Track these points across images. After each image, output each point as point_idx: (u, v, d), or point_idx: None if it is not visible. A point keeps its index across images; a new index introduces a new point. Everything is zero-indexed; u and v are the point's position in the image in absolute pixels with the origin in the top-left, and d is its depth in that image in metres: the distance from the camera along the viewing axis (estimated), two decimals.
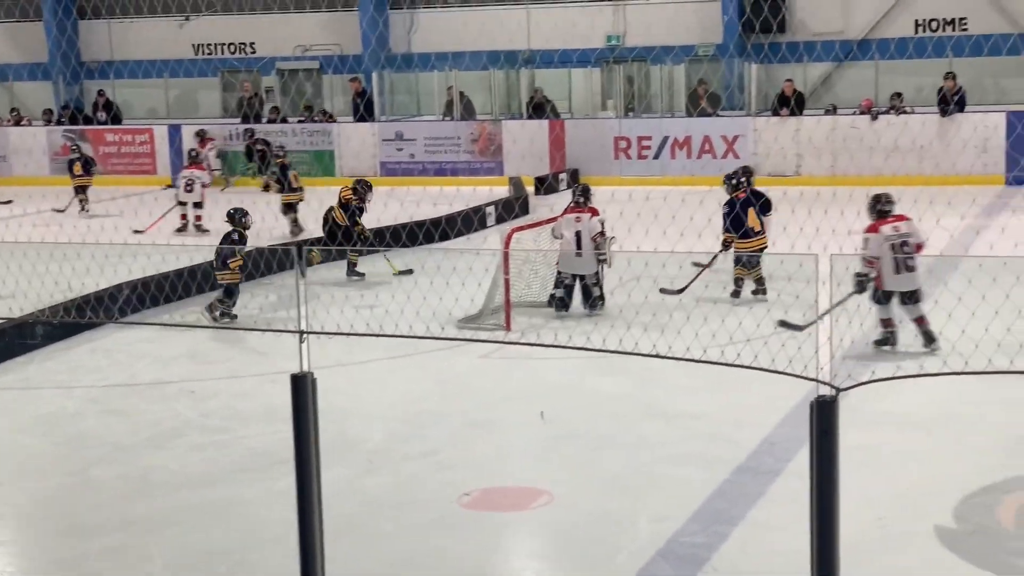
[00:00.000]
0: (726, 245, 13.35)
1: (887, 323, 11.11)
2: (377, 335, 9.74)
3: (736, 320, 12.09)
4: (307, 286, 5.04)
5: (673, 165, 24.41)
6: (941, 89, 23.15)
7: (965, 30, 26.44)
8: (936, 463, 8.37)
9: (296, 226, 18.70)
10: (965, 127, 22.71)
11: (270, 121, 27.68)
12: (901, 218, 11.35)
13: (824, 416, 4.41)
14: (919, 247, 11.24)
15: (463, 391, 10.56)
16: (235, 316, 13.01)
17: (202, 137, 26.34)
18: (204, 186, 19.88)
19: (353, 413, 9.77)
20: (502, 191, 22.00)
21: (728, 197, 13.51)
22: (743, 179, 13.60)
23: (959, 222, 15.49)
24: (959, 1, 26.61)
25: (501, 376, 10.94)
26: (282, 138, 26.41)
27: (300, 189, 19.04)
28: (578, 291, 13.03)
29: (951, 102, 22.88)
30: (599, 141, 24.97)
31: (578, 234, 12.94)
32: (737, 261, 13.24)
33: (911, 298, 10.99)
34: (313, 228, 16.97)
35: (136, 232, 18.68)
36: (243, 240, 13.27)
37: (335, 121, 27.21)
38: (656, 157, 24.70)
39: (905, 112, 23.58)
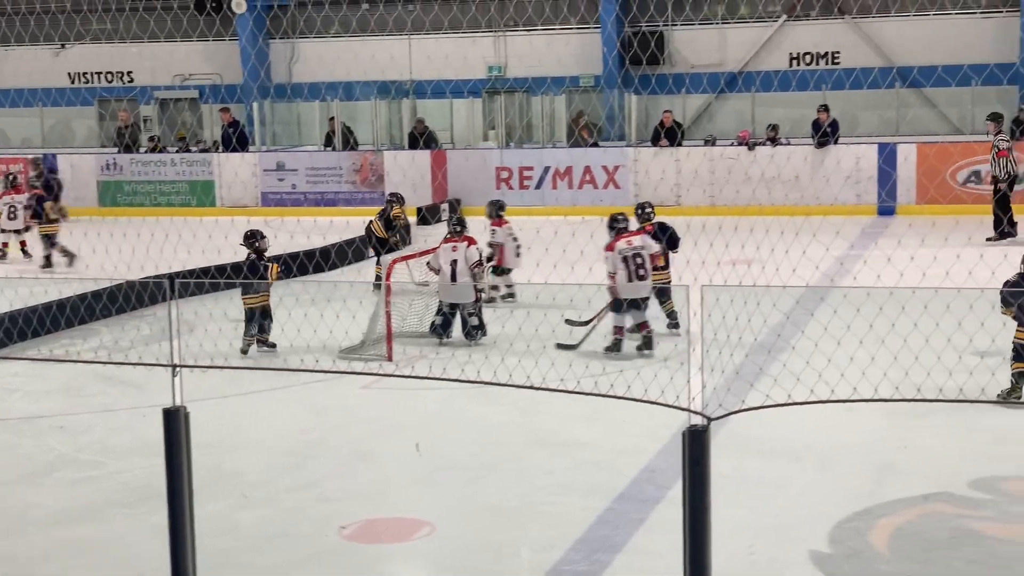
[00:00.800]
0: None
1: (618, 331, 12.24)
2: (252, 368, 9.62)
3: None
4: (180, 318, 4.99)
5: (554, 195, 24.60)
6: (815, 121, 23.69)
7: (837, 63, 27.12)
8: (808, 489, 8.51)
9: (67, 255, 18.71)
10: (838, 158, 23.26)
11: (149, 151, 27.34)
12: (635, 233, 12.68)
13: (696, 445, 4.49)
14: (654, 257, 12.56)
15: (344, 422, 10.49)
16: (274, 344, 12.79)
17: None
18: (26, 208, 19.70)
19: (232, 446, 9.65)
20: None
21: (638, 226, 13.52)
22: (650, 210, 13.64)
23: (825, 252, 15.76)
24: (832, 36, 27.30)
25: (383, 406, 10.89)
26: (160, 167, 26.13)
27: (56, 221, 19.11)
28: (460, 320, 13.05)
29: (823, 134, 23.41)
30: (481, 171, 25.08)
31: (454, 263, 12.99)
32: None
33: (638, 305, 12.20)
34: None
35: None
36: (258, 262, 13.02)
37: (217, 151, 26.97)
38: (538, 187, 24.87)
39: (781, 143, 24.05)
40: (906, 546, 7.42)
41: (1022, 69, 24.62)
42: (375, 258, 16.48)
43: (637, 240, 12.52)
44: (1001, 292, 10.02)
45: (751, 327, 11.05)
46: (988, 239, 18.67)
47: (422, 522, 7.95)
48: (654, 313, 12.80)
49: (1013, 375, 10.15)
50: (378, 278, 15.71)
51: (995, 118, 20.25)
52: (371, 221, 16.66)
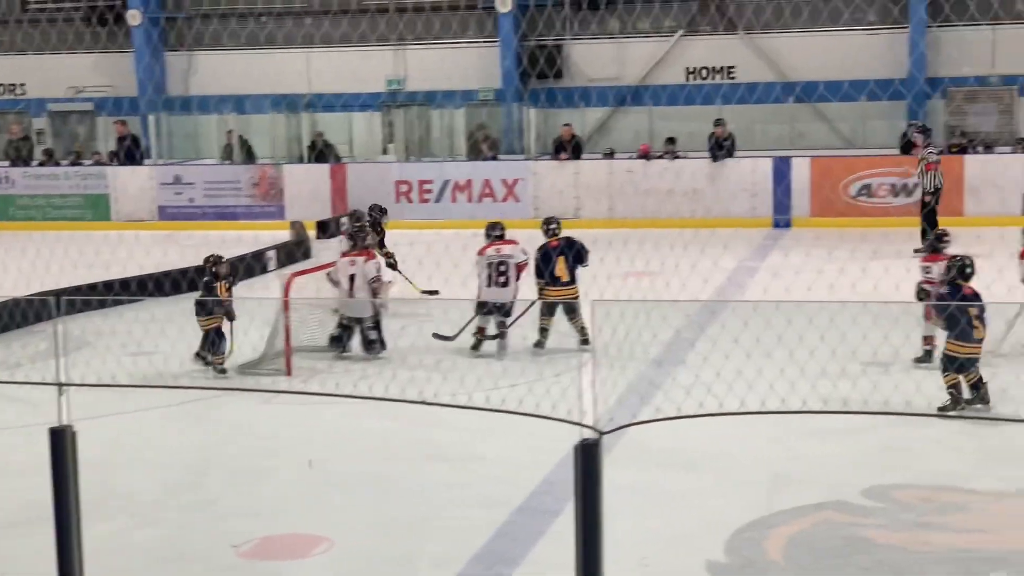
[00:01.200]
0: (540, 292, 13.33)
1: (479, 331, 12.84)
2: (143, 386, 9.46)
3: (501, 365, 12.35)
4: (68, 335, 4.92)
5: (454, 208, 24.62)
6: (711, 135, 23.96)
7: (733, 78, 27.48)
8: (703, 500, 8.58)
9: None
10: (734, 171, 23.57)
11: (42, 164, 26.88)
12: (508, 242, 13.13)
13: (588, 459, 4.51)
14: (520, 267, 13.01)
15: (242, 438, 10.40)
16: (224, 370, 12.40)
17: None
18: None
19: (125, 464, 9.52)
20: (283, 235, 21.80)
21: (544, 241, 13.36)
22: (555, 226, 13.44)
23: (719, 266, 15.93)
24: (727, 51, 27.66)
25: (281, 421, 10.81)
26: (53, 181, 25.78)
27: None
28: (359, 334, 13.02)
29: (719, 147, 23.70)
30: (380, 185, 24.99)
31: (352, 277, 12.97)
32: (544, 310, 13.03)
33: (501, 310, 12.84)
34: None
35: None
36: (209, 285, 12.62)
37: (112, 164, 26.58)
38: (437, 201, 24.89)
39: (678, 157, 24.26)
40: (800, 555, 7.53)
41: (900, 87, 25.12)
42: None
43: (507, 249, 13.03)
44: (934, 304, 10.14)
45: (643, 341, 11.19)
46: (916, 251, 18.64)
47: (320, 538, 7.91)
48: (563, 328, 12.89)
49: (949, 389, 10.03)
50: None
51: (923, 131, 20.27)
52: None
